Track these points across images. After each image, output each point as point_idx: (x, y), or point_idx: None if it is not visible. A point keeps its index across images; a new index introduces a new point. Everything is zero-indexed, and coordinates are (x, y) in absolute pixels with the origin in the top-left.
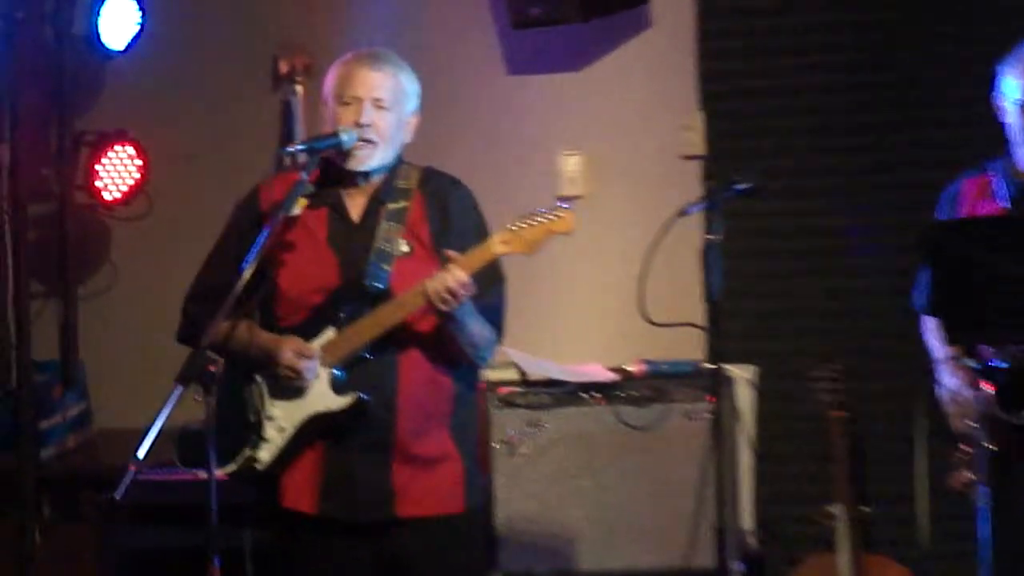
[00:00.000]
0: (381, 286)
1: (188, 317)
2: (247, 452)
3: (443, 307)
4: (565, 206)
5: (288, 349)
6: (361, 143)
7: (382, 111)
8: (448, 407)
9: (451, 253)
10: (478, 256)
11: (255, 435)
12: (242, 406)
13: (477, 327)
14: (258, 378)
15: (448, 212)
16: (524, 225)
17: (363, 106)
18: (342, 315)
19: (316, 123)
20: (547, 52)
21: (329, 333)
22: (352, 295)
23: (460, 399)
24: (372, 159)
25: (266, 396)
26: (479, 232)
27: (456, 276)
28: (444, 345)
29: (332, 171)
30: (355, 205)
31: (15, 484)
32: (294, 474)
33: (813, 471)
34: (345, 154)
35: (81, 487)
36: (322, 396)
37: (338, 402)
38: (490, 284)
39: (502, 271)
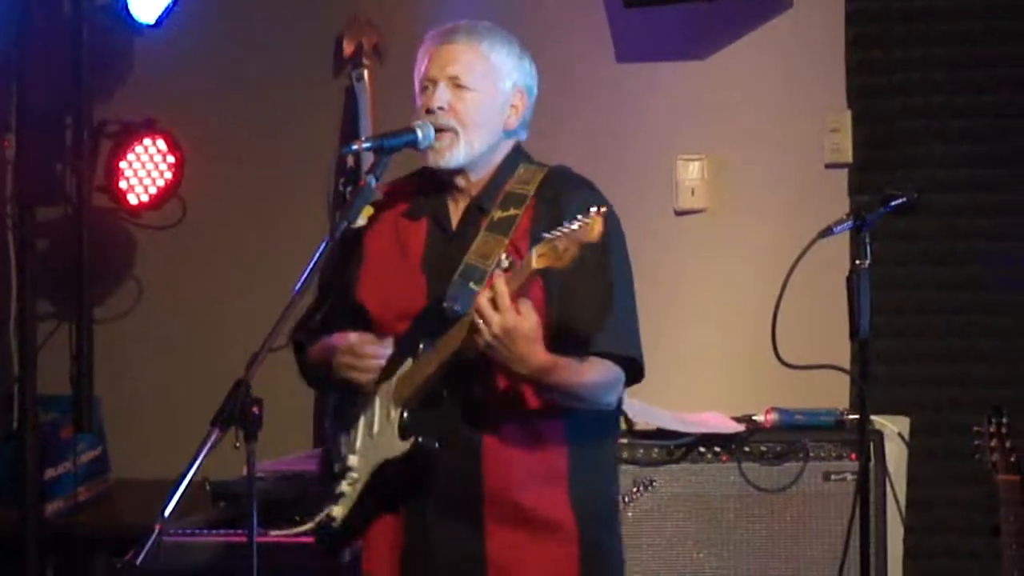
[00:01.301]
0: (460, 309)
1: (298, 352)
2: (326, 508)
3: (479, 340)
4: (593, 211)
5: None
6: (439, 134)
7: (462, 90)
8: (561, 463)
9: (497, 272)
10: (517, 274)
11: (336, 488)
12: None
13: (567, 375)
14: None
15: (560, 222)
16: (558, 234)
17: (437, 88)
18: (421, 345)
19: (386, 114)
20: (665, 36)
21: (407, 365)
22: (432, 320)
23: (580, 454)
24: (454, 152)
25: (343, 442)
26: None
27: (482, 299)
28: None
29: (431, 174)
30: (457, 213)
31: (15, 543)
32: (377, 535)
33: (977, 547)
34: (428, 152)
35: (94, 549)
36: (389, 441)
37: (400, 448)
38: (604, 305)
39: (621, 286)
